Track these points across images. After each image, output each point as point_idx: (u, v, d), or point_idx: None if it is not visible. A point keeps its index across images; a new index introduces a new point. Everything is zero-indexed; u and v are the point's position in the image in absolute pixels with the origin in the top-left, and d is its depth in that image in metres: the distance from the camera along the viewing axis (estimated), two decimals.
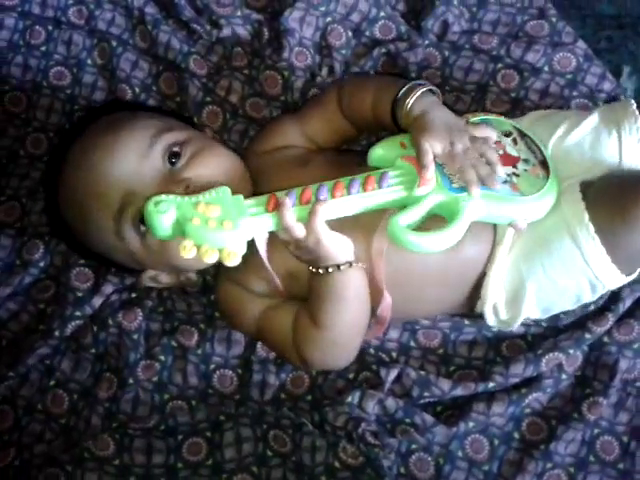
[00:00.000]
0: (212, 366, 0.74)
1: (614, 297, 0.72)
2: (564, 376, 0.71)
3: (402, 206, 0.61)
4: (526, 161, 0.65)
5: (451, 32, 0.83)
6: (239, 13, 0.83)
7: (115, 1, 0.84)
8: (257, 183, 0.69)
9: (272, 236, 0.62)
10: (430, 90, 0.67)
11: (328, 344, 0.66)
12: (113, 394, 0.72)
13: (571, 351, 0.70)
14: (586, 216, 0.63)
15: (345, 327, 0.66)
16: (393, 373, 0.71)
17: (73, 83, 0.83)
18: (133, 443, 0.69)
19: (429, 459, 0.70)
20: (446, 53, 0.82)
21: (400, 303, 0.67)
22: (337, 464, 0.68)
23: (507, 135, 0.67)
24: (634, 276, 0.67)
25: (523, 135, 0.68)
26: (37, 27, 0.83)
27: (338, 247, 0.63)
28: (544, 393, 0.71)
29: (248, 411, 0.71)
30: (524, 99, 0.79)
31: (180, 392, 0.73)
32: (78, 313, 0.74)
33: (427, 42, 0.82)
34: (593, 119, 0.68)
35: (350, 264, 0.63)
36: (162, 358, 0.73)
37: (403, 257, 0.65)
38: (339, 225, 0.62)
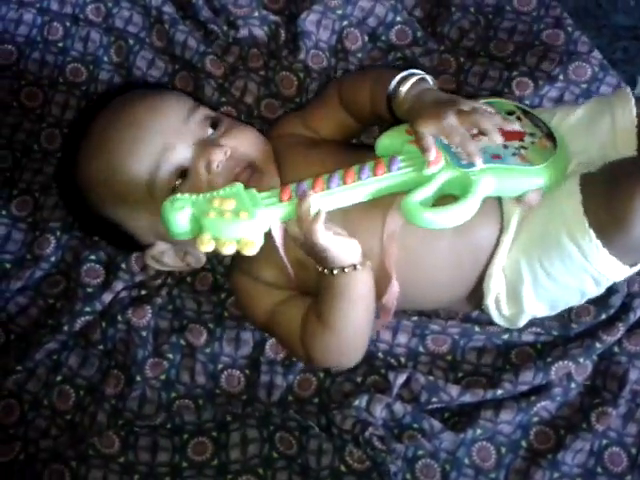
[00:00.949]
0: (220, 366, 0.74)
1: (625, 307, 0.72)
2: (573, 385, 0.71)
3: (413, 188, 0.62)
4: (532, 134, 0.66)
5: (467, 38, 0.84)
6: (256, 14, 0.84)
7: (133, 0, 0.85)
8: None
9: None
10: (422, 78, 0.67)
11: (334, 343, 0.66)
12: (120, 391, 0.72)
13: (581, 360, 0.70)
14: (584, 217, 0.62)
15: (351, 327, 0.66)
16: (401, 377, 0.70)
17: (89, 80, 0.83)
18: (138, 441, 0.69)
19: (435, 465, 0.69)
20: (461, 59, 0.82)
21: (409, 288, 0.67)
22: (343, 468, 0.67)
23: (510, 114, 0.68)
24: (639, 267, 0.65)
25: (526, 113, 0.69)
26: (55, 23, 0.84)
27: (344, 251, 0.63)
28: (553, 402, 0.71)
29: (255, 412, 0.71)
30: (538, 107, 0.79)
31: (187, 391, 0.73)
32: (88, 309, 0.74)
33: (443, 48, 0.83)
34: (588, 105, 0.69)
35: (355, 267, 0.63)
36: (170, 356, 0.73)
37: (414, 240, 0.66)
38: (350, 213, 0.63)
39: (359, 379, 0.72)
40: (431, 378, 0.71)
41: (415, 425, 0.69)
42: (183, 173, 0.66)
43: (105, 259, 0.76)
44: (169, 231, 0.62)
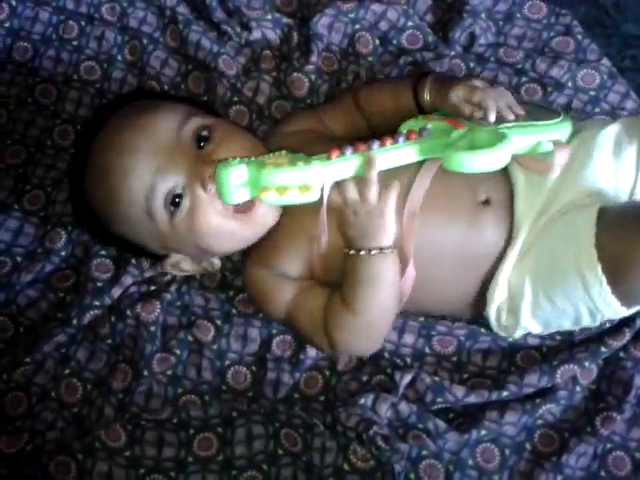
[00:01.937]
0: (227, 362, 0.74)
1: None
2: (578, 389, 0.71)
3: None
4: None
5: (477, 44, 0.85)
6: (269, 17, 0.85)
7: (148, 0, 0.86)
8: None
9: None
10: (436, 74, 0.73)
11: (359, 328, 0.67)
12: (127, 385, 0.72)
13: (586, 363, 0.70)
14: (595, 249, 0.62)
15: (378, 312, 0.67)
16: (407, 377, 0.71)
17: (103, 78, 0.84)
18: (144, 435, 0.70)
19: (439, 466, 0.69)
20: (471, 64, 0.83)
21: (417, 281, 0.68)
22: (346, 466, 0.68)
23: None
24: (635, 310, 0.67)
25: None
26: (70, 22, 0.85)
27: (390, 227, 0.64)
28: (557, 405, 0.71)
29: (260, 409, 0.71)
30: None
31: (194, 387, 0.73)
32: (97, 303, 0.75)
33: (453, 53, 0.84)
34: (616, 127, 0.68)
35: (388, 249, 0.64)
36: (178, 352, 0.74)
37: (428, 230, 0.67)
38: None
39: (365, 378, 0.72)
40: (436, 379, 0.71)
41: (420, 425, 0.69)
42: (179, 195, 0.66)
43: (115, 254, 0.77)
44: (223, 194, 0.63)
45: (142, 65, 0.84)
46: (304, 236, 0.68)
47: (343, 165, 0.63)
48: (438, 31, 0.86)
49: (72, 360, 0.74)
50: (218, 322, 0.75)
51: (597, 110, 0.81)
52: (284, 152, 0.65)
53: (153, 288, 0.77)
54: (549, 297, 0.66)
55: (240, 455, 0.69)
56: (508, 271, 0.68)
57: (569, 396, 0.71)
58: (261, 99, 0.83)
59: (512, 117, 0.64)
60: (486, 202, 0.68)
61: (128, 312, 0.75)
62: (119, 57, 0.85)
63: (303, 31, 0.84)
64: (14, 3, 0.85)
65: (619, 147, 0.67)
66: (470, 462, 0.70)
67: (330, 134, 0.75)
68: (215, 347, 0.74)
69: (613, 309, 0.64)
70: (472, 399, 0.70)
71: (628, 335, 0.71)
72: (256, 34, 0.84)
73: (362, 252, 0.64)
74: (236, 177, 0.62)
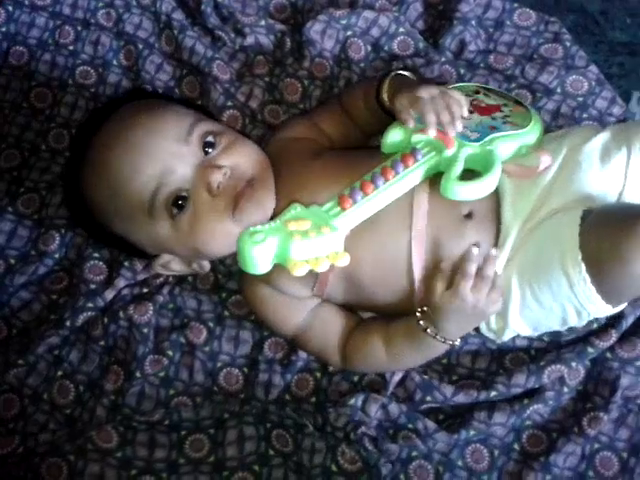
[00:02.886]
0: (219, 364, 0.74)
1: (617, 314, 0.72)
2: (566, 389, 0.72)
3: (441, 169, 0.65)
4: (505, 105, 0.71)
5: (467, 51, 0.86)
6: (263, 23, 0.86)
7: (143, 6, 0.87)
8: (275, 168, 0.71)
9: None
10: (402, 75, 0.71)
11: (385, 367, 0.72)
12: (119, 387, 0.73)
13: (573, 364, 0.71)
14: (579, 249, 0.63)
15: (406, 366, 0.72)
16: (397, 376, 0.72)
17: (98, 82, 0.85)
18: (136, 436, 0.70)
19: (429, 467, 0.70)
20: (462, 71, 0.84)
21: None
22: (334, 468, 0.68)
23: (477, 93, 0.73)
24: (621, 308, 0.68)
25: (489, 89, 0.74)
26: (66, 27, 0.86)
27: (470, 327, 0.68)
28: (545, 405, 0.72)
29: (252, 410, 0.72)
30: None
31: (186, 388, 0.74)
32: (90, 304, 0.75)
33: (444, 59, 0.85)
34: (605, 135, 0.69)
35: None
36: (170, 353, 0.74)
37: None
38: (378, 216, 0.65)
39: (356, 378, 0.73)
40: (426, 377, 0.72)
41: (410, 425, 0.70)
42: (183, 197, 0.67)
43: (108, 257, 0.78)
44: (246, 266, 0.62)
45: (137, 70, 0.85)
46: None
47: (358, 212, 0.64)
48: (429, 38, 0.87)
49: (65, 362, 0.74)
50: (210, 324, 0.76)
51: (585, 115, 0.82)
52: (297, 207, 0.64)
53: (146, 290, 0.77)
54: (536, 297, 0.66)
55: (231, 456, 0.69)
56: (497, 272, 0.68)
57: (557, 396, 0.72)
58: (254, 104, 0.84)
59: (453, 133, 0.64)
60: (468, 215, 0.68)
61: (121, 314, 0.75)
62: (114, 62, 0.86)
63: (296, 37, 0.85)
64: (11, 8, 0.86)
65: (607, 154, 0.67)
66: (460, 463, 0.70)
67: (327, 139, 0.76)
68: (207, 349, 0.75)
69: (598, 307, 0.65)
70: (461, 398, 0.71)
71: (614, 336, 0.72)
72: (250, 40, 0.85)
73: (439, 337, 0.67)
74: (264, 252, 0.61)
